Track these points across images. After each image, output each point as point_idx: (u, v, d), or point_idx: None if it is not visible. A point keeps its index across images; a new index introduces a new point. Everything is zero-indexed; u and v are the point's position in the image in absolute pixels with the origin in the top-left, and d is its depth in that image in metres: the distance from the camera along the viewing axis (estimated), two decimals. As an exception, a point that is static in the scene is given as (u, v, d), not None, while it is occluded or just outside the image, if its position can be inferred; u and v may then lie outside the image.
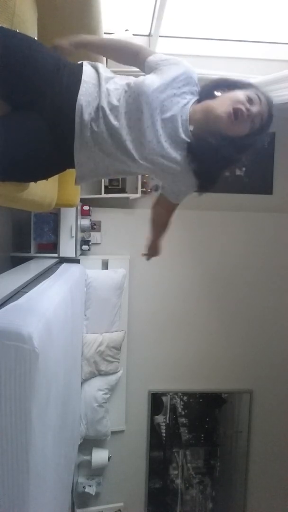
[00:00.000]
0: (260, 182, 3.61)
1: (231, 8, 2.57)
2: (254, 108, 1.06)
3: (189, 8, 2.58)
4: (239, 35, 2.80)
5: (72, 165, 1.16)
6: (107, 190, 3.30)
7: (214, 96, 1.10)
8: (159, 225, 1.54)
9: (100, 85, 1.08)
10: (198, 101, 1.12)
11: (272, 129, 1.17)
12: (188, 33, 2.79)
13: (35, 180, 1.33)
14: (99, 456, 3.29)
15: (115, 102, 1.07)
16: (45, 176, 1.28)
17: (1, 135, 1.06)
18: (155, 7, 2.43)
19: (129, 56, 1.22)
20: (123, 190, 3.38)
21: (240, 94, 1.07)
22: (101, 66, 1.14)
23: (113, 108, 1.07)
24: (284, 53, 2.86)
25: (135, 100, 1.06)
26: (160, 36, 2.64)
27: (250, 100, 1.06)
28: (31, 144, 1.10)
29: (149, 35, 2.75)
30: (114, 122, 1.06)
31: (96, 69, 1.13)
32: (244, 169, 3.58)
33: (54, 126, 1.09)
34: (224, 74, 1.15)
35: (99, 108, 1.06)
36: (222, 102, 1.07)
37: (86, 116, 1.06)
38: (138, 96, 1.05)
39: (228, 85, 1.12)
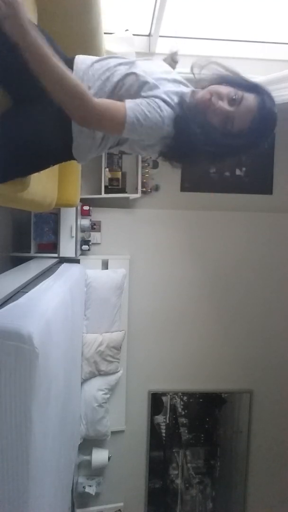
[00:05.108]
0: (260, 182, 3.61)
1: (231, 8, 2.57)
2: (228, 107, 1.07)
3: (189, 8, 2.59)
4: (239, 35, 2.80)
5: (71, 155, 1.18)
6: (107, 190, 3.30)
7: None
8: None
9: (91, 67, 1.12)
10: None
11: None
12: (188, 33, 2.79)
13: (39, 170, 1.32)
14: (99, 456, 3.29)
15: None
16: (50, 164, 1.28)
17: (4, 130, 1.07)
18: (155, 7, 2.43)
19: None
20: (123, 190, 3.38)
21: (224, 89, 1.08)
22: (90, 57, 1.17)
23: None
24: (284, 53, 2.87)
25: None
26: (160, 36, 2.64)
27: (231, 99, 1.07)
28: (34, 136, 1.11)
29: (149, 35, 2.75)
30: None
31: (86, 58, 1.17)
32: (244, 169, 3.58)
33: (52, 108, 1.08)
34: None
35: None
36: (209, 89, 1.10)
37: None
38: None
39: (230, 81, 1.12)
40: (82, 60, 1.15)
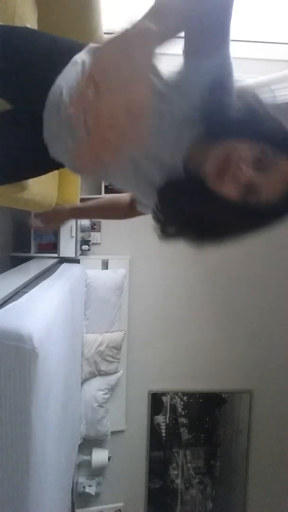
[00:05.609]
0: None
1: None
2: (252, 174, 0.73)
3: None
4: (239, 35, 2.80)
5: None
6: (107, 190, 3.30)
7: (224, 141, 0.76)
8: (102, 208, 1.41)
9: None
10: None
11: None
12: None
13: (31, 177, 1.31)
14: (99, 456, 3.29)
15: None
16: (39, 173, 1.27)
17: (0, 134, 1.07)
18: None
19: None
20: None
21: (247, 148, 0.73)
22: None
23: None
24: (284, 53, 2.87)
25: None
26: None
27: (257, 162, 0.73)
28: (24, 142, 1.08)
29: (149, 35, 2.74)
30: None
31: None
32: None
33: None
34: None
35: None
36: (226, 150, 0.75)
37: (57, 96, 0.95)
38: None
39: (257, 134, 0.73)
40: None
